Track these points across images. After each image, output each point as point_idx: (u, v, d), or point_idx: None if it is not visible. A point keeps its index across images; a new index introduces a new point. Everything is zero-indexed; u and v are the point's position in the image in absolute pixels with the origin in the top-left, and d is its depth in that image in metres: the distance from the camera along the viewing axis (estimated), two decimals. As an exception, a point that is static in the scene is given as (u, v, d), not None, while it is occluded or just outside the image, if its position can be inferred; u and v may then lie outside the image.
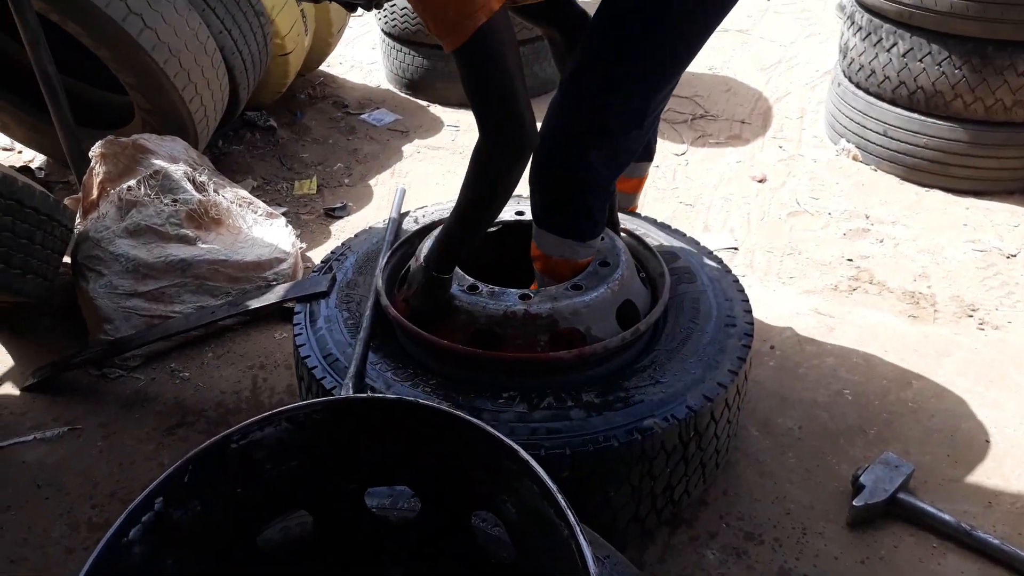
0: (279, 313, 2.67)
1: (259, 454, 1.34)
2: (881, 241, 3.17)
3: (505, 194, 1.72)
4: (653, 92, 1.84)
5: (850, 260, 3.05)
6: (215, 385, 2.39)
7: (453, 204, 1.82)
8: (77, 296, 2.50)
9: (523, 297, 1.87)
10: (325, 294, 2.04)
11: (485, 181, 1.70)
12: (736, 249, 3.12)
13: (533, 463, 1.20)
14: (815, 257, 3.07)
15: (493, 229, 2.24)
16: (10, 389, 2.36)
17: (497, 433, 1.26)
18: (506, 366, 1.82)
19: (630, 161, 1.96)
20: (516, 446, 1.22)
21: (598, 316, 1.89)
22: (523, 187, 1.85)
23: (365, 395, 1.33)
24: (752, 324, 2.04)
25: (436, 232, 1.91)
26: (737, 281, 2.19)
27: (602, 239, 2.04)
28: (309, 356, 1.86)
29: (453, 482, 1.42)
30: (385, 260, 2.07)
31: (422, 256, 1.87)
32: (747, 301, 2.12)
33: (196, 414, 2.28)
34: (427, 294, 1.86)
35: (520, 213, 2.28)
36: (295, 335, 1.93)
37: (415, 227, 2.26)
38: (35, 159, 3.66)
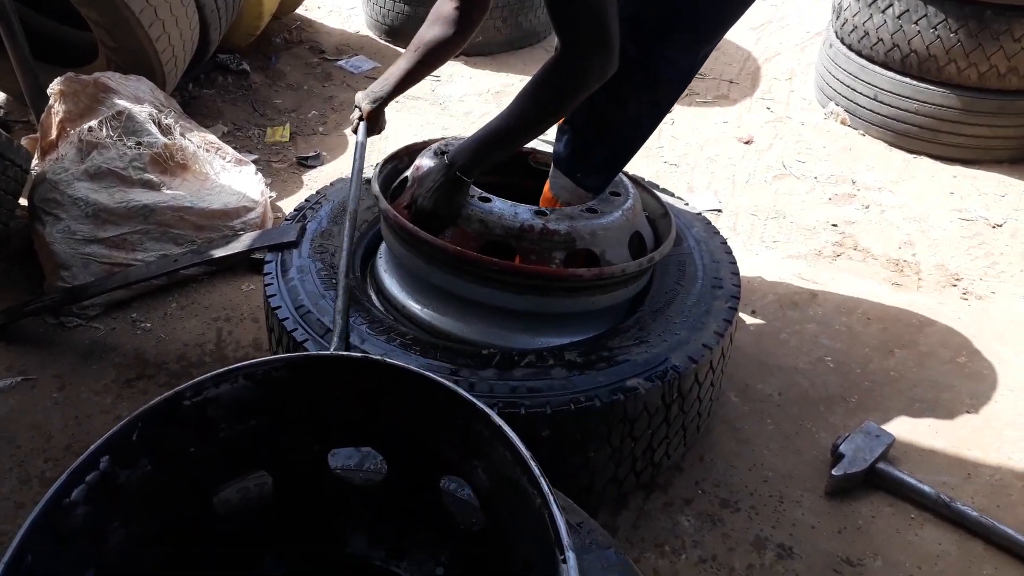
0: (247, 264, 2.57)
1: (215, 412, 1.26)
2: (867, 207, 3.11)
3: (565, 112, 1.70)
4: (708, 42, 1.79)
5: (835, 226, 3.00)
6: (178, 337, 2.30)
7: None
8: (34, 241, 2.38)
9: (539, 213, 1.80)
10: (294, 244, 1.95)
11: (556, 95, 1.64)
12: (720, 211, 3.05)
13: (506, 428, 1.14)
14: (800, 221, 3.01)
15: None
16: (-39, 336, 2.26)
17: (469, 396, 1.19)
18: (524, 278, 1.74)
19: (660, 121, 1.93)
20: (489, 410, 1.15)
21: (613, 241, 1.83)
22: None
23: (328, 352, 1.25)
24: (739, 287, 1.98)
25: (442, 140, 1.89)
26: (725, 243, 2.13)
27: None
28: (280, 307, 1.77)
29: (422, 445, 1.35)
30: (378, 168, 1.97)
31: (444, 156, 1.80)
32: (734, 263, 2.06)
33: (157, 367, 2.19)
34: (444, 194, 1.77)
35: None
36: (265, 285, 1.84)
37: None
38: (-5, 97, 3.49)
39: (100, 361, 2.20)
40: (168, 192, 2.48)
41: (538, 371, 1.70)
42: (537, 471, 1.01)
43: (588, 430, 1.69)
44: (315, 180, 3.11)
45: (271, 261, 1.90)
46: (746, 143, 3.52)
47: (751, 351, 2.33)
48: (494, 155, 1.76)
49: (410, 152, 2.12)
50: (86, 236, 2.32)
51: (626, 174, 2.13)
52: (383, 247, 2.07)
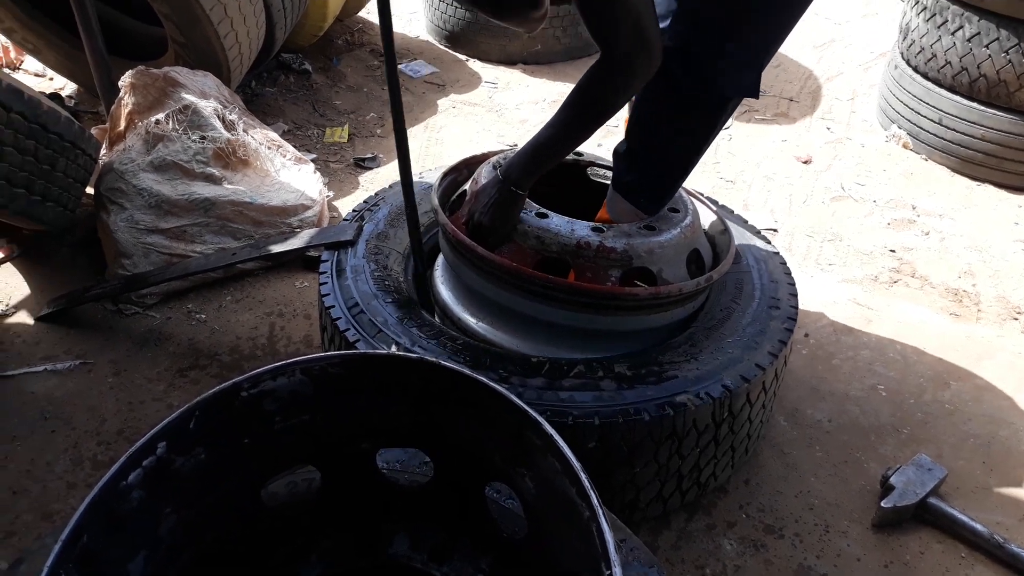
0: (301, 261, 2.60)
1: (270, 405, 1.28)
2: (927, 233, 3.04)
3: (612, 115, 1.70)
4: (773, 46, 1.78)
5: (893, 251, 2.93)
6: (231, 329, 2.34)
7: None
8: (98, 228, 2.45)
9: (596, 230, 1.79)
10: (351, 243, 1.97)
11: (602, 99, 1.66)
12: (776, 231, 3.00)
13: (557, 438, 1.13)
14: (857, 245, 2.95)
15: None
16: (24, 318, 2.32)
17: (521, 403, 1.19)
18: (579, 296, 1.74)
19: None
20: (541, 419, 1.15)
21: (671, 259, 1.82)
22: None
23: (385, 351, 1.26)
24: (796, 308, 1.95)
25: (502, 152, 1.88)
26: (784, 264, 2.10)
27: None
28: (334, 306, 1.80)
29: (471, 450, 1.35)
30: (438, 181, 1.99)
31: (498, 170, 1.81)
32: (793, 284, 2.03)
33: (209, 357, 2.23)
34: (500, 210, 1.79)
35: (579, 154, 2.21)
36: (320, 284, 1.86)
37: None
38: (66, 87, 3.59)
39: (155, 349, 2.25)
40: (229, 187, 2.53)
41: (587, 382, 1.70)
42: (587, 483, 1.01)
43: (635, 444, 1.67)
44: (371, 182, 3.14)
45: (327, 260, 1.92)
46: (804, 163, 3.47)
47: (803, 375, 2.29)
48: (545, 165, 1.78)
49: (468, 164, 2.14)
50: (148, 226, 2.38)
51: (685, 189, 2.12)
52: (440, 259, 2.09)
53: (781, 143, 3.62)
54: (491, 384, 1.21)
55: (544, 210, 1.85)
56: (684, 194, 2.04)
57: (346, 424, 1.35)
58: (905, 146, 3.56)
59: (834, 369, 2.33)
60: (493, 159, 2.05)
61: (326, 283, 1.86)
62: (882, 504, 1.85)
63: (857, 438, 2.11)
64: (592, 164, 2.20)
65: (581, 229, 1.80)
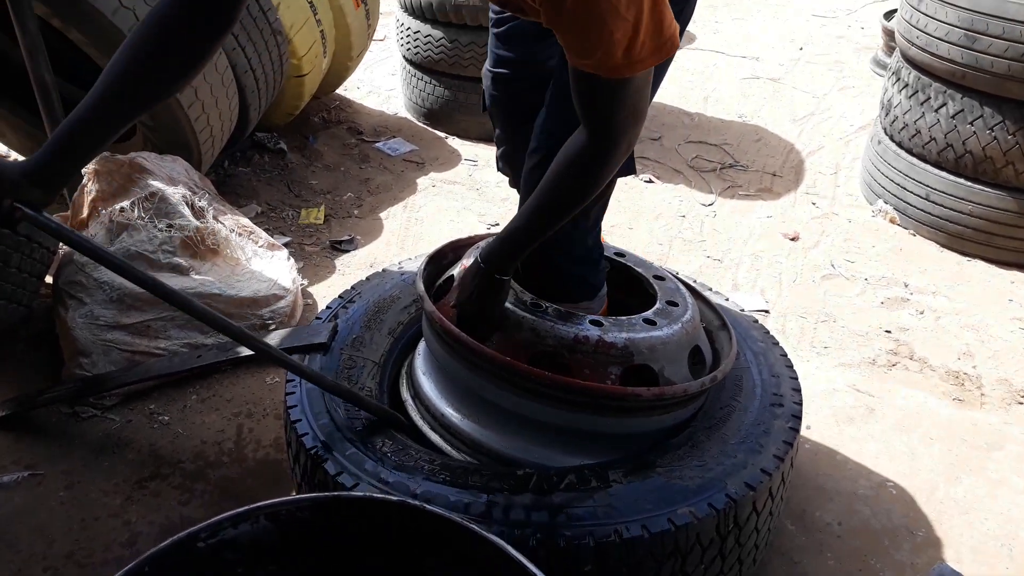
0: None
1: (231, 555, 1.13)
2: (921, 313, 2.96)
3: (594, 194, 1.58)
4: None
5: (888, 332, 2.84)
6: (196, 433, 2.17)
7: None
8: (56, 324, 2.29)
9: (595, 323, 1.67)
10: (324, 347, 1.84)
11: (582, 183, 1.55)
12: (767, 312, 2.91)
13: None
14: (851, 327, 2.86)
15: None
16: (-29, 423, 2.15)
17: (520, 556, 1.05)
18: (577, 395, 1.60)
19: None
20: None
21: (672, 356, 1.70)
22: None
23: (360, 495, 1.12)
24: (801, 405, 1.84)
25: (490, 236, 1.77)
26: (785, 355, 2.00)
27: (662, 279, 1.93)
28: (300, 420, 1.65)
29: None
30: (423, 266, 1.87)
31: (476, 256, 1.69)
32: (796, 379, 1.92)
33: (172, 465, 2.06)
34: (486, 298, 1.68)
35: (619, 253, 2.12)
36: (287, 394, 1.72)
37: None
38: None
39: (112, 456, 2.08)
40: (196, 277, 2.40)
41: (579, 495, 1.56)
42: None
43: (635, 564, 1.53)
44: (348, 265, 3.02)
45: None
46: (792, 240, 3.40)
47: (807, 472, 2.16)
48: (525, 249, 1.65)
49: (455, 248, 2.03)
50: (108, 322, 2.23)
51: (679, 279, 2.02)
52: (422, 345, 1.95)
53: (767, 219, 3.56)
54: (481, 532, 1.07)
55: (538, 300, 1.74)
56: (682, 287, 1.93)
57: (322, 572, 1.20)
58: (892, 221, 3.52)
59: (839, 465, 2.20)
60: (482, 244, 1.95)
61: (293, 393, 1.72)
62: (904, 622, 1.71)
63: (870, 543, 1.97)
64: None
65: (580, 322, 1.68)
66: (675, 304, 1.84)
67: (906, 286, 3.12)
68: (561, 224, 1.61)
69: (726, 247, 3.32)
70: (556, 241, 1.71)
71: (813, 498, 2.08)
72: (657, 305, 1.82)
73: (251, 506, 1.12)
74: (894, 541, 1.98)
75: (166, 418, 2.21)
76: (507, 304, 1.70)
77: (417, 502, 1.11)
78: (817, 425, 2.34)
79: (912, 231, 3.46)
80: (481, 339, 1.66)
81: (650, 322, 1.74)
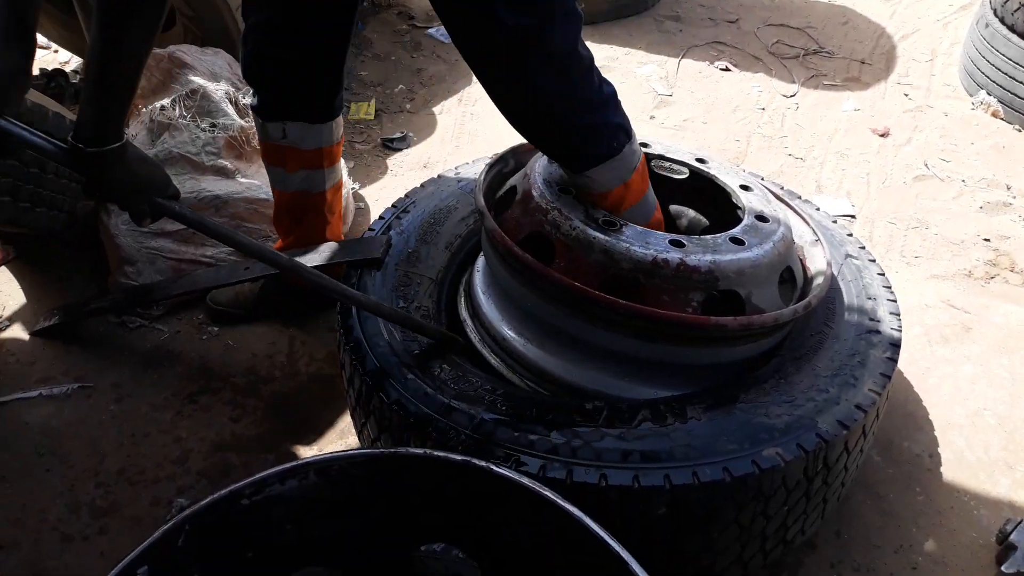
0: (324, 263, 2.34)
1: (278, 512, 1.03)
2: (1025, 219, 2.70)
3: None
4: None
5: (987, 240, 2.59)
6: (247, 345, 2.09)
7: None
8: (99, 230, 2.20)
9: (675, 243, 1.50)
10: (379, 262, 1.70)
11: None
12: (854, 217, 2.68)
13: (632, 564, 0.88)
14: (945, 234, 2.62)
15: None
16: (19, 332, 2.10)
17: (597, 528, 0.93)
18: (655, 325, 1.45)
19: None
20: (610, 539, 0.90)
21: (762, 280, 1.53)
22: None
23: (420, 452, 1.00)
24: (900, 331, 1.66)
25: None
26: (883, 274, 1.80)
27: (750, 189, 1.71)
28: (355, 344, 1.54)
29: (525, 558, 1.09)
30: (483, 175, 1.71)
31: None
32: (895, 301, 1.74)
33: (222, 380, 1.99)
34: (94, 185, 1.37)
35: (644, 144, 1.86)
36: (340, 313, 1.60)
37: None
38: (71, 60, 3.34)
39: (162, 369, 2.01)
40: (243, 181, 2.26)
41: (655, 434, 1.42)
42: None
43: (714, 508, 1.40)
44: (400, 165, 2.86)
45: (349, 284, 1.65)
46: (882, 136, 3.11)
47: (896, 397, 1.99)
48: (103, 104, 1.30)
49: (516, 153, 1.84)
50: (153, 229, 2.13)
51: (766, 184, 1.81)
52: (481, 261, 1.81)
53: (854, 113, 3.25)
54: (549, 495, 0.95)
55: (611, 217, 1.56)
56: (774, 199, 1.73)
57: (373, 528, 1.10)
58: (995, 115, 3.18)
59: (932, 390, 2.03)
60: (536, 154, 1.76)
61: (348, 313, 1.59)
62: (1003, 569, 1.58)
63: (963, 477, 1.82)
64: (661, 157, 1.89)
65: (658, 242, 1.50)
66: (765, 219, 1.64)
67: (1008, 189, 2.83)
68: (130, 54, 1.29)
69: (809, 144, 3.05)
70: (555, 92, 1.47)
71: (902, 427, 1.92)
72: (745, 221, 1.63)
73: (300, 461, 1.01)
74: (991, 476, 1.82)
75: (215, 329, 2.13)
76: (576, 222, 1.53)
77: (483, 462, 0.99)
78: (907, 345, 2.13)
79: (1018, 126, 3.13)
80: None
81: (738, 241, 1.55)
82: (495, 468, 0.98)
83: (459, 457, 1.00)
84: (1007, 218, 2.70)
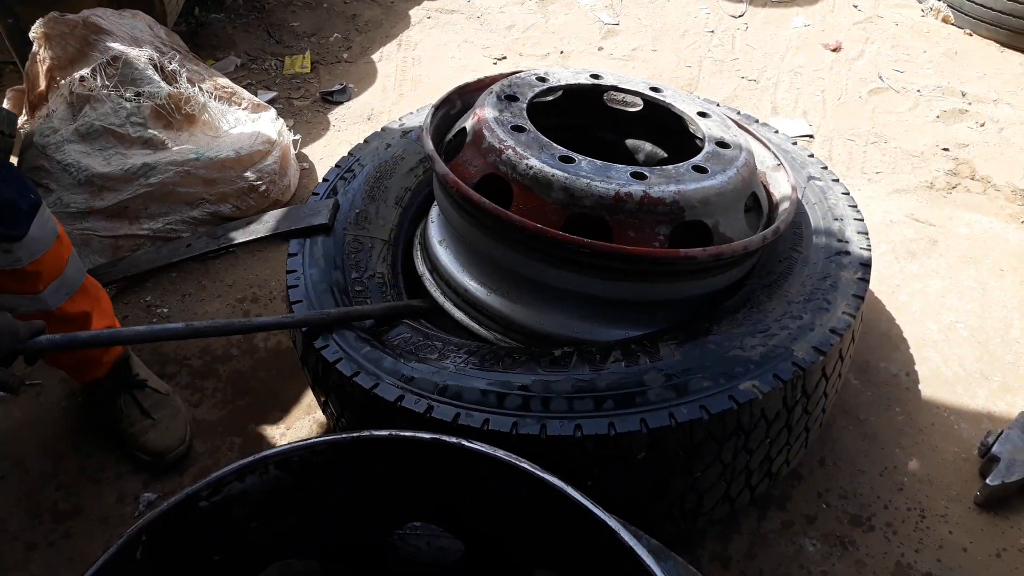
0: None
1: (240, 510, 0.96)
2: (982, 125, 2.67)
3: None
4: None
5: (946, 150, 2.57)
6: (199, 324, 1.99)
7: None
8: (27, 215, 2.06)
9: (637, 176, 1.42)
10: (326, 227, 1.60)
11: None
12: (812, 137, 2.63)
13: (637, 548, 0.83)
14: (905, 146, 2.58)
15: (550, 98, 1.78)
16: (-46, 333, 1.97)
17: (580, 497, 0.88)
18: (622, 262, 1.38)
19: None
20: (603, 513, 0.85)
21: (728, 207, 1.47)
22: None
23: (385, 434, 0.93)
24: (870, 251, 1.62)
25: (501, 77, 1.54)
26: (848, 194, 1.76)
27: (707, 116, 1.65)
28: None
29: (509, 533, 1.04)
30: (429, 118, 1.61)
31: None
32: (862, 220, 1.70)
33: (177, 363, 1.90)
34: None
35: (595, 76, 1.80)
36: (289, 287, 1.51)
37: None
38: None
39: (112, 358, 1.91)
40: (174, 149, 2.13)
41: (627, 376, 1.37)
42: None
43: (694, 447, 1.36)
44: (342, 120, 2.73)
45: (296, 253, 1.56)
46: (834, 50, 3.05)
47: (869, 317, 1.97)
48: None
49: (463, 93, 1.74)
50: (81, 208, 2.00)
51: (723, 109, 1.74)
52: (435, 211, 1.72)
53: (804, 29, 3.18)
54: (526, 467, 0.90)
55: (569, 152, 1.47)
56: (732, 123, 1.66)
57: (345, 514, 1.04)
58: (946, 20, 3.13)
59: (903, 307, 2.01)
60: (496, 87, 1.67)
61: (296, 285, 1.50)
62: (988, 481, 1.57)
63: (941, 392, 1.81)
64: (614, 88, 1.80)
65: (619, 175, 1.42)
66: (726, 146, 1.57)
67: (963, 95, 2.80)
68: None
69: (761, 65, 2.97)
70: None
71: (877, 347, 1.90)
72: (706, 148, 1.56)
73: (257, 456, 0.94)
74: (968, 388, 1.82)
75: (165, 310, 2.03)
76: (533, 160, 1.44)
77: (453, 439, 0.93)
78: (875, 263, 2.12)
79: (968, 30, 3.09)
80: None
81: (700, 169, 1.48)
82: (467, 444, 0.92)
83: (427, 435, 0.93)
84: (964, 125, 2.67)
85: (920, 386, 1.82)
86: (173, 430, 1.69)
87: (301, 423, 1.77)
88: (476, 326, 1.59)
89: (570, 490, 0.87)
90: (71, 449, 1.72)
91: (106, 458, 1.70)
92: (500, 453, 0.91)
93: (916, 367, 1.86)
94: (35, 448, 1.72)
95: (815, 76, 2.91)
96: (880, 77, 2.89)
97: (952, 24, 3.12)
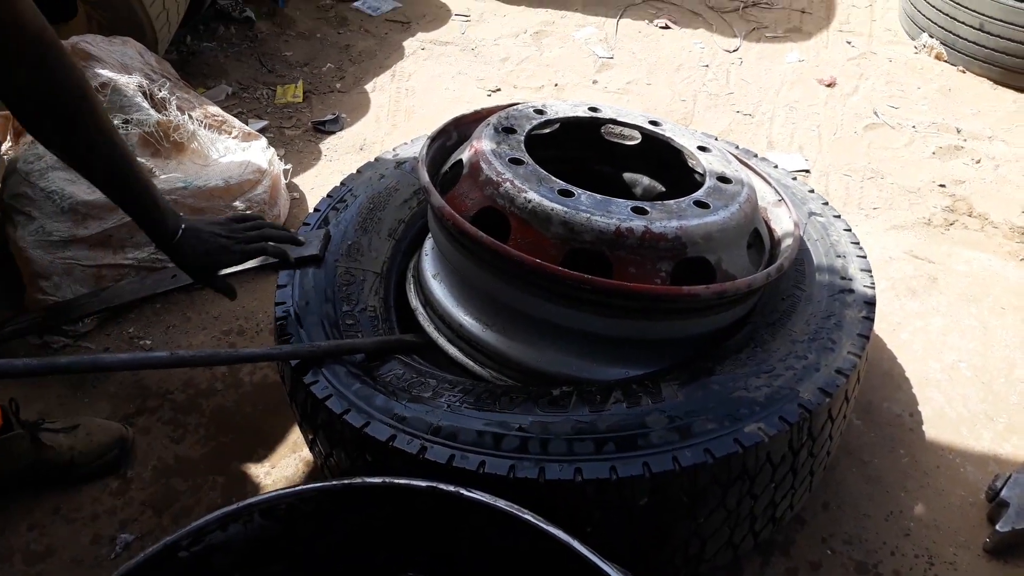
0: (261, 260, 2.19)
1: (222, 560, 0.90)
2: (978, 162, 2.66)
3: None
4: None
5: (943, 186, 2.55)
6: (183, 357, 1.93)
7: None
8: (9, 244, 2.01)
9: (638, 211, 1.38)
10: (317, 259, 1.56)
11: None
12: (808, 172, 2.61)
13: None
14: (901, 182, 2.57)
15: (547, 130, 1.74)
16: (-72, 364, 1.90)
17: (597, 558, 0.83)
18: (623, 299, 1.34)
19: None
20: (603, 562, 0.80)
21: (730, 243, 1.43)
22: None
23: (378, 481, 0.88)
24: (873, 288, 1.58)
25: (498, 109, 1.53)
26: (850, 230, 1.73)
27: (708, 150, 1.62)
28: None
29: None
30: (425, 149, 1.57)
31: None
32: (865, 257, 1.66)
33: (160, 397, 1.83)
34: None
35: (594, 109, 1.77)
36: (277, 320, 1.45)
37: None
38: None
39: (93, 392, 1.84)
40: (162, 176, 2.09)
41: (629, 417, 1.32)
42: None
43: (698, 492, 1.31)
44: (335, 149, 2.69)
45: (285, 285, 1.51)
46: (828, 86, 3.04)
47: (870, 356, 1.91)
48: None
49: (459, 125, 1.71)
50: (64, 236, 1.94)
51: (721, 141, 1.71)
52: (428, 243, 1.68)
53: (799, 64, 3.18)
54: (530, 519, 0.84)
55: (568, 186, 1.43)
56: (733, 157, 1.63)
57: (334, 564, 0.98)
58: (939, 57, 3.14)
59: (905, 346, 1.97)
60: (493, 119, 1.63)
61: (285, 317, 1.45)
62: (997, 528, 1.52)
63: (946, 434, 1.77)
64: (612, 121, 1.77)
65: (620, 210, 1.38)
66: (728, 181, 1.54)
67: (958, 132, 2.80)
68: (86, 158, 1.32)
69: (757, 99, 2.97)
70: None
71: (880, 387, 1.86)
72: (707, 183, 1.53)
73: (241, 504, 0.88)
74: (973, 430, 1.78)
75: (148, 342, 1.97)
76: (532, 193, 1.40)
77: (451, 487, 0.87)
78: (877, 300, 2.09)
79: (962, 67, 3.10)
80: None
81: (702, 205, 1.45)
82: (466, 493, 0.86)
83: (423, 483, 0.87)
84: (959, 162, 2.66)
85: (924, 427, 1.78)
86: (104, 426, 1.67)
87: (287, 461, 1.70)
88: (471, 363, 1.54)
89: (576, 544, 0.81)
90: (45, 487, 1.65)
91: (81, 497, 1.63)
92: (501, 503, 0.86)
93: (919, 407, 1.82)
94: (8, 486, 1.65)
95: (810, 111, 2.90)
96: (875, 113, 2.89)
97: (945, 61, 3.13)
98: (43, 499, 1.63)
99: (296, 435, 1.74)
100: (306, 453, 1.70)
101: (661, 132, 1.73)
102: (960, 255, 2.27)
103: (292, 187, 2.47)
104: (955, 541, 1.56)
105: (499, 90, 3.03)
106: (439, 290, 1.60)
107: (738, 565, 1.52)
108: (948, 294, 2.13)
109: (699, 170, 1.73)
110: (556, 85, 3.06)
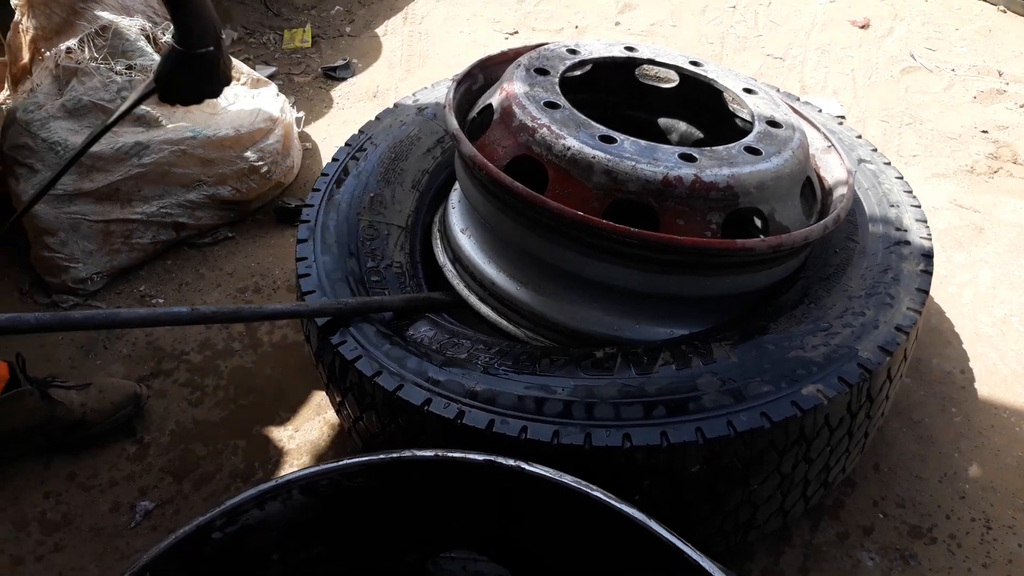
0: (275, 215, 2.09)
1: (259, 541, 0.83)
2: (1021, 106, 2.53)
3: None
4: None
5: (985, 132, 2.43)
6: (198, 316, 1.84)
7: None
8: (11, 198, 1.91)
9: (686, 157, 1.28)
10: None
11: None
12: (843, 118, 2.49)
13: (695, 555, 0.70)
14: (941, 128, 2.45)
15: (579, 72, 1.63)
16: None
17: (680, 542, 0.74)
18: (673, 254, 1.24)
19: None
20: (671, 535, 0.72)
21: (784, 193, 1.33)
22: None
23: (430, 455, 0.79)
24: (930, 239, 1.49)
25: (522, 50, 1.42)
26: (901, 178, 1.62)
27: (754, 92, 1.50)
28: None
29: (563, 556, 0.90)
30: (451, 93, 1.46)
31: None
32: (919, 207, 1.56)
33: (176, 358, 1.75)
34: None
35: (630, 48, 1.65)
36: (299, 276, 1.37)
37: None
38: None
39: (104, 353, 1.77)
40: (169, 126, 1.98)
41: (679, 380, 1.24)
42: None
43: (753, 458, 1.23)
44: (347, 97, 2.57)
45: (306, 240, 1.42)
46: (862, 27, 2.90)
47: (917, 311, 1.84)
48: None
49: (485, 68, 1.60)
50: (69, 190, 1.84)
51: (768, 88, 1.60)
52: (455, 195, 1.58)
53: (829, 5, 3.03)
54: (599, 495, 0.76)
55: (610, 131, 1.33)
56: (781, 101, 1.52)
57: (377, 541, 0.90)
58: (978, -4, 2.99)
59: (953, 299, 1.88)
60: (523, 59, 1.52)
61: (308, 274, 1.36)
62: (1059, 490, 1.45)
63: (999, 391, 1.69)
64: (650, 61, 1.65)
65: (666, 157, 1.28)
66: (778, 125, 1.43)
67: (1000, 75, 2.66)
68: None
69: (787, 41, 2.83)
70: None
71: (930, 343, 1.77)
72: (756, 127, 1.42)
73: (280, 479, 0.81)
74: (1028, 387, 1.70)
75: (161, 300, 1.88)
76: (571, 139, 1.30)
77: (511, 461, 0.79)
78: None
79: (1002, 7, 2.95)
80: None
81: (754, 151, 1.34)
82: (527, 467, 0.79)
83: (481, 457, 0.79)
84: (1002, 106, 2.54)
85: (976, 384, 1.70)
86: (117, 385, 1.61)
87: (310, 424, 1.63)
88: (504, 322, 1.46)
89: (656, 526, 0.73)
90: (59, 453, 1.58)
91: (98, 463, 1.56)
92: (568, 479, 0.78)
93: (971, 364, 1.73)
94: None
95: (843, 54, 2.77)
96: (912, 55, 2.75)
97: (985, 0, 2.98)
98: (57, 465, 1.56)
99: (320, 397, 1.66)
100: (331, 415, 1.62)
101: (704, 73, 1.61)
102: (1007, 204, 2.17)
103: (304, 137, 2.36)
104: (1013, 504, 1.49)
105: (516, 32, 2.89)
106: (468, 245, 1.51)
107: (787, 531, 1.45)
108: (996, 245, 2.03)
109: (743, 114, 1.62)
110: (576, 27, 2.92)
